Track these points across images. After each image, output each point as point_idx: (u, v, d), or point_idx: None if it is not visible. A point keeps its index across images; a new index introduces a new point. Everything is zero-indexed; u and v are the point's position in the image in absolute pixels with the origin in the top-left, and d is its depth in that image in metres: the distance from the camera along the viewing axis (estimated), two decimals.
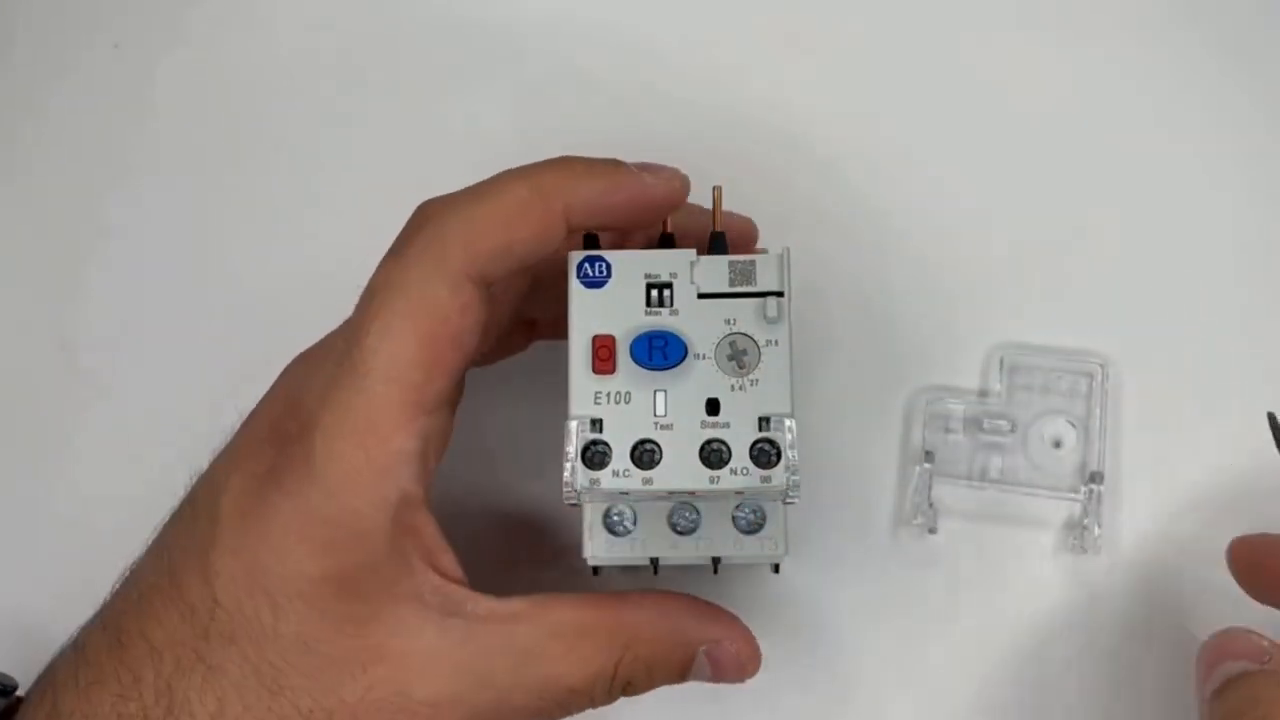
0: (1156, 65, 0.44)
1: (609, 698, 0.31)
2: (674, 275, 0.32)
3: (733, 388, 0.31)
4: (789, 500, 0.31)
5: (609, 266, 0.32)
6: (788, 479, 0.30)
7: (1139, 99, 0.44)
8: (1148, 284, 0.42)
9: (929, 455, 0.40)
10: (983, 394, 0.41)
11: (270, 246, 0.45)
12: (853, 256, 0.43)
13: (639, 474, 0.30)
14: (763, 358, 0.31)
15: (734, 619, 0.33)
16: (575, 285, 0.32)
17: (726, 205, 0.34)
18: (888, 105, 0.44)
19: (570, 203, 0.31)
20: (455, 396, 0.32)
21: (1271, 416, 0.31)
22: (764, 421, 0.31)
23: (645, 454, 0.30)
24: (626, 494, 0.31)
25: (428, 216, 0.31)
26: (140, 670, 0.29)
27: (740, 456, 0.30)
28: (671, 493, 0.31)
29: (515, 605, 0.30)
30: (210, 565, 0.29)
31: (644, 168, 0.33)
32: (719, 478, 0.30)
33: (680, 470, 0.30)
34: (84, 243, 0.46)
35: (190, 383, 0.44)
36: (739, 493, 0.31)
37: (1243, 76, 0.44)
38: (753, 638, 0.33)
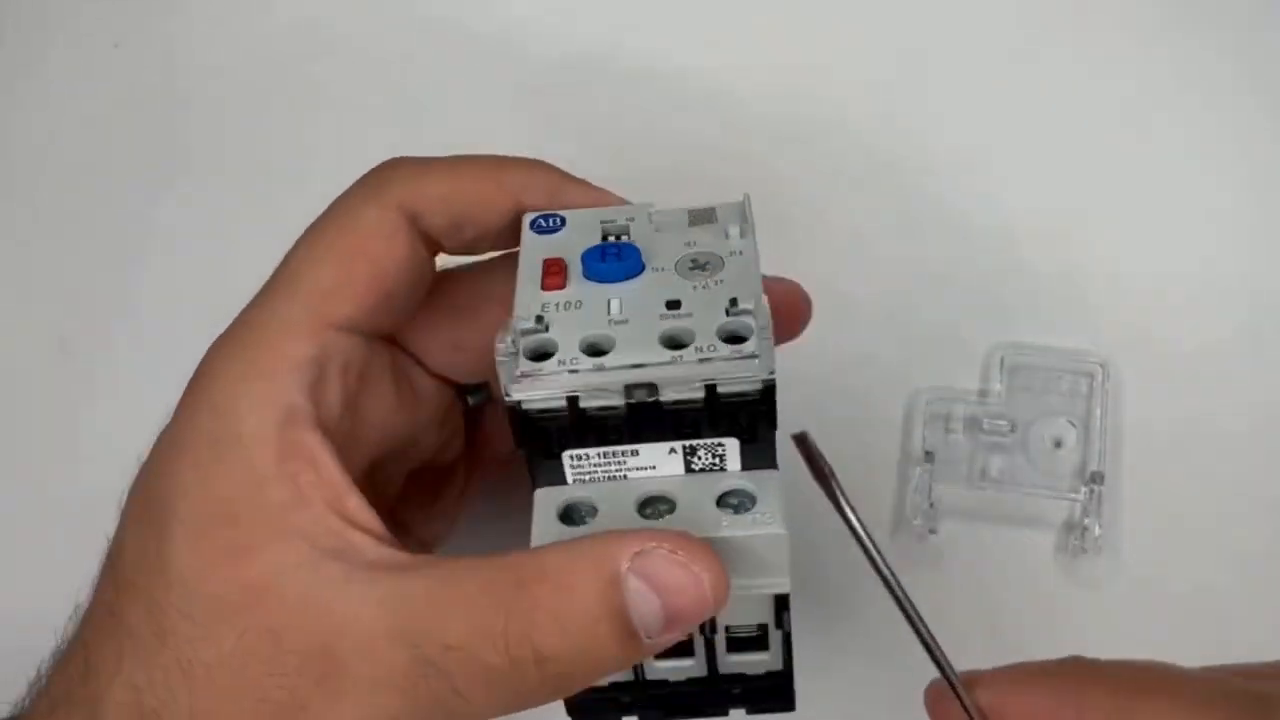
0: (1157, 65, 0.44)
1: (512, 671, 0.24)
2: (631, 220, 0.30)
3: (695, 288, 0.27)
4: (768, 378, 0.26)
5: (563, 220, 0.30)
6: (761, 346, 0.25)
7: (1141, 99, 0.44)
8: (1148, 284, 0.42)
9: (929, 455, 0.40)
10: (983, 394, 0.41)
11: (269, 246, 0.45)
12: (853, 257, 0.43)
13: (589, 360, 0.26)
14: (727, 264, 0.28)
15: (670, 528, 0.25)
16: (527, 233, 0.30)
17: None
18: (888, 108, 0.45)
19: (524, 185, 0.30)
20: (374, 329, 0.30)
21: (802, 440, 0.25)
22: (732, 305, 0.27)
23: (596, 346, 0.26)
24: (575, 388, 0.25)
25: (380, 165, 0.31)
26: (72, 637, 0.27)
27: (706, 336, 0.26)
28: (630, 389, 0.25)
29: (413, 559, 0.26)
30: (124, 509, 0.28)
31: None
32: (681, 356, 0.25)
33: (638, 351, 0.26)
34: (84, 242, 0.46)
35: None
36: (707, 390, 0.25)
37: (1244, 77, 0.44)
38: (702, 545, 0.24)
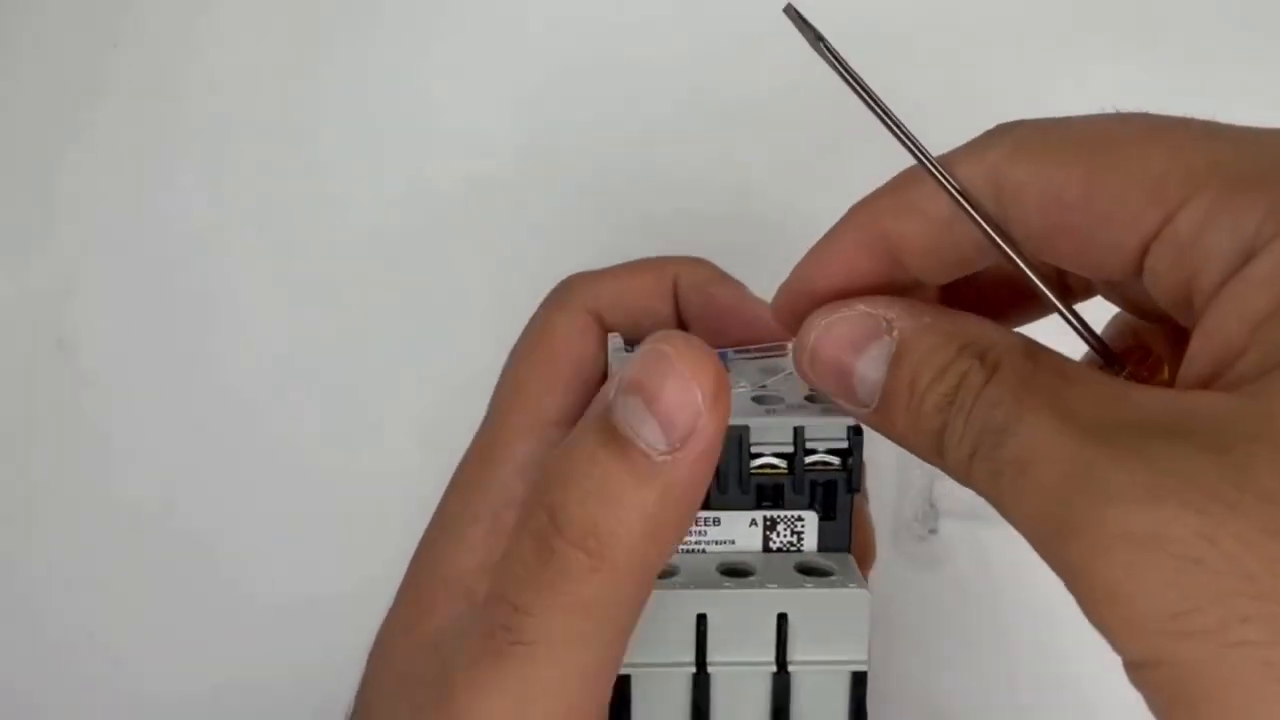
0: (1157, 66, 0.44)
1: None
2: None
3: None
4: (854, 423, 0.28)
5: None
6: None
7: (1140, 100, 0.44)
8: None
9: None
10: None
11: (269, 248, 0.45)
12: None
13: None
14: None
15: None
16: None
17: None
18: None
19: (678, 277, 0.33)
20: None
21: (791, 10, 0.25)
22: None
23: None
24: None
25: (560, 282, 0.33)
26: None
27: (794, 398, 0.28)
28: None
29: None
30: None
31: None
32: (773, 410, 0.28)
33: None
34: (84, 242, 0.46)
35: (189, 383, 0.44)
36: (795, 435, 0.27)
37: (1244, 77, 0.44)
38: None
